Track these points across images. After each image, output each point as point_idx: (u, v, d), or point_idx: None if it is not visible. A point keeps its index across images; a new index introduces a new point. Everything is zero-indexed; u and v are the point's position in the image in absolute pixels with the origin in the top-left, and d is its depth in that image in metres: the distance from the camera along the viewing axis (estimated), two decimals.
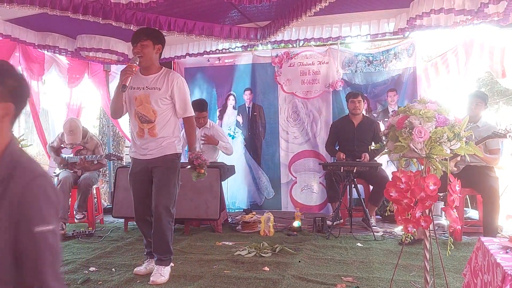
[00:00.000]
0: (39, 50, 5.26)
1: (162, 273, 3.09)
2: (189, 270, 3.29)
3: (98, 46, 4.98)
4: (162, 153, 3.15)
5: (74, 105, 6.30)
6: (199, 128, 5.14)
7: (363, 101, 5.15)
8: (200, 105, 4.99)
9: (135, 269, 3.25)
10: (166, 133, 3.16)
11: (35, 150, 12.11)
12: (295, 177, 6.08)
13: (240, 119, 6.32)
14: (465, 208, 4.74)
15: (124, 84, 2.96)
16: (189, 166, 3.22)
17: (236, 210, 6.04)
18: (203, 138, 5.03)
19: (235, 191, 6.18)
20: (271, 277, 3.10)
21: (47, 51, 5.36)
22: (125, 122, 6.63)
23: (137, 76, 3.09)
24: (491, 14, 3.46)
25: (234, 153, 6.20)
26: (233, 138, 6.31)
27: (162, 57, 5.49)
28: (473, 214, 4.84)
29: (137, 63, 3.02)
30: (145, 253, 3.37)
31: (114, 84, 6.40)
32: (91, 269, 3.36)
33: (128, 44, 5.31)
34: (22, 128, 12.10)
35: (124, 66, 6.02)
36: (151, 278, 3.06)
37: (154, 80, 3.14)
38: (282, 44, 5.33)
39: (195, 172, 3.16)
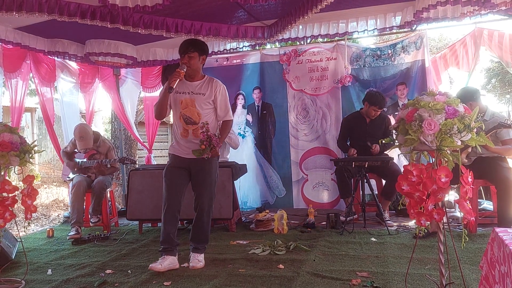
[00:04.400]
0: (49, 56, 5.33)
1: (200, 259, 3.42)
2: (204, 270, 3.31)
3: (107, 50, 5.03)
4: None
5: (87, 110, 6.39)
6: None
7: None
8: None
9: (150, 265, 3.27)
10: None
11: (48, 156, 12.28)
12: (306, 175, 6.07)
13: (249, 118, 6.33)
14: (479, 200, 4.69)
15: (172, 86, 3.22)
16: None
17: (248, 210, 6.06)
18: None
19: (247, 191, 6.20)
20: (286, 274, 3.11)
21: (57, 57, 5.44)
22: (137, 126, 6.69)
23: (183, 82, 3.37)
24: (499, 3, 3.43)
25: (245, 152, 6.24)
26: (243, 137, 6.32)
27: (171, 59, 5.62)
28: (488, 205, 4.79)
29: (184, 70, 3.29)
30: (160, 249, 3.39)
31: (124, 88, 6.47)
32: (107, 271, 3.39)
33: (137, 47, 5.37)
34: (35, 134, 12.29)
35: (133, 69, 6.15)
36: (191, 264, 3.38)
37: (199, 86, 3.43)
38: (290, 42, 5.33)
39: (198, 149, 3.23)
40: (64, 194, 8.78)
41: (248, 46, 5.53)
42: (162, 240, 3.38)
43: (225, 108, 3.49)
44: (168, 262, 3.30)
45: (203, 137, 3.20)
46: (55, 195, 8.69)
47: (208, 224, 3.48)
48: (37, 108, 11.72)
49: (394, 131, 2.37)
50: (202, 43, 3.49)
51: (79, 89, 6.12)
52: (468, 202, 2.13)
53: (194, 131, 3.37)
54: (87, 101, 6.32)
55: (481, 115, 4.12)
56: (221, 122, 3.55)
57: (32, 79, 5.55)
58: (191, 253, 3.47)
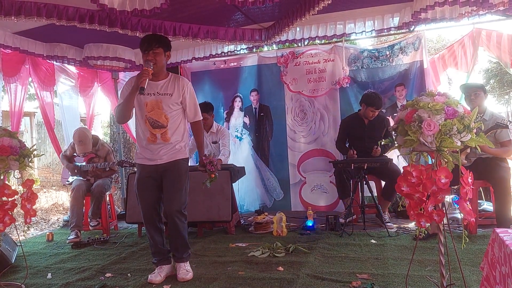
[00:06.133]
0: (48, 61, 5.33)
1: (187, 269, 3.23)
2: (204, 273, 3.30)
3: (106, 54, 5.04)
4: (173, 158, 3.21)
5: (87, 114, 6.39)
6: (207, 132, 5.18)
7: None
8: (203, 106, 4.97)
9: (149, 277, 3.18)
10: (177, 137, 3.23)
11: (48, 160, 12.26)
12: (304, 177, 6.06)
13: (247, 120, 6.33)
14: (479, 201, 4.69)
15: (142, 86, 2.97)
16: (201, 169, 3.28)
17: (245, 213, 6.02)
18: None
19: (244, 194, 6.17)
20: (285, 276, 3.10)
21: (56, 62, 5.44)
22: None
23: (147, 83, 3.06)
24: (497, 3, 3.44)
25: (242, 154, 6.25)
26: (240, 139, 6.32)
27: (168, 62, 5.60)
28: (488, 206, 4.79)
29: (152, 68, 3.05)
30: (154, 261, 3.29)
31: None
32: (107, 275, 3.38)
33: (135, 51, 5.36)
34: (34, 138, 12.27)
35: (131, 73, 6.15)
36: (179, 276, 3.18)
37: (164, 86, 3.19)
38: (287, 44, 5.33)
39: (208, 178, 3.19)
40: (63, 198, 8.77)
41: (246, 48, 5.53)
42: (153, 252, 3.29)
43: (194, 108, 3.28)
44: (165, 271, 3.24)
45: (211, 167, 3.13)
46: (55, 199, 8.67)
47: (184, 230, 3.23)
48: (36, 112, 11.74)
49: (393, 132, 2.37)
50: (166, 38, 3.28)
51: (79, 93, 6.12)
52: (468, 203, 2.13)
53: (163, 135, 3.16)
54: (87, 105, 6.33)
55: (481, 115, 4.14)
56: (191, 123, 3.33)
57: (32, 83, 5.55)
58: (176, 263, 3.28)
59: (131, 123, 6.51)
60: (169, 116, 3.17)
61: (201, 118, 3.37)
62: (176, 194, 3.18)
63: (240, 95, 6.38)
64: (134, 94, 3.06)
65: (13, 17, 3.59)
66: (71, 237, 4.53)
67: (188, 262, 3.29)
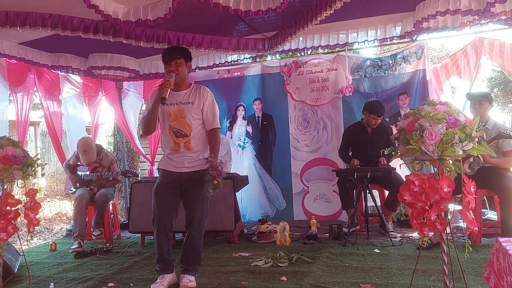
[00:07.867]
0: (53, 71, 5.37)
1: (191, 279, 3.23)
2: (207, 283, 3.29)
3: (110, 64, 5.07)
4: (197, 167, 3.26)
5: (92, 123, 6.42)
6: None
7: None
8: None
9: (151, 287, 3.17)
10: (200, 146, 3.29)
11: (52, 169, 12.29)
12: (307, 187, 6.05)
13: (250, 129, 6.34)
14: (483, 210, 4.66)
15: (164, 97, 3.07)
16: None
17: (248, 223, 5.98)
18: None
19: (246, 204, 6.15)
20: (288, 286, 3.09)
21: (61, 72, 5.48)
22: (139, 139, 6.70)
23: (169, 93, 3.17)
24: (498, 13, 3.45)
25: (245, 163, 6.23)
26: (243, 148, 6.32)
27: None
28: (492, 215, 4.76)
29: (173, 78, 3.15)
30: (157, 268, 3.29)
31: (126, 101, 6.50)
32: (110, 284, 3.38)
33: (139, 60, 5.40)
34: (38, 148, 12.32)
35: (136, 82, 6.17)
36: (182, 283, 3.18)
37: (186, 95, 3.28)
38: (290, 53, 5.34)
39: (211, 185, 3.11)
40: (67, 207, 8.77)
41: (249, 58, 5.56)
42: (158, 259, 3.29)
43: (212, 115, 3.32)
44: (167, 280, 3.24)
45: (213, 172, 3.06)
46: (58, 209, 8.68)
47: (199, 242, 3.29)
48: (41, 122, 11.79)
49: (396, 141, 2.37)
50: (186, 49, 3.37)
51: (84, 103, 6.16)
52: (471, 212, 2.13)
53: (186, 144, 3.23)
54: (92, 114, 6.37)
55: (483, 124, 4.13)
56: (208, 132, 3.34)
57: (37, 93, 5.59)
58: (181, 274, 3.29)
59: (136, 133, 6.57)
60: (192, 125, 3.24)
61: (219, 126, 3.39)
62: (198, 203, 3.24)
63: (243, 104, 6.40)
64: (157, 105, 3.15)
65: (18, 28, 3.64)
66: (74, 246, 4.52)
67: (194, 276, 3.30)
